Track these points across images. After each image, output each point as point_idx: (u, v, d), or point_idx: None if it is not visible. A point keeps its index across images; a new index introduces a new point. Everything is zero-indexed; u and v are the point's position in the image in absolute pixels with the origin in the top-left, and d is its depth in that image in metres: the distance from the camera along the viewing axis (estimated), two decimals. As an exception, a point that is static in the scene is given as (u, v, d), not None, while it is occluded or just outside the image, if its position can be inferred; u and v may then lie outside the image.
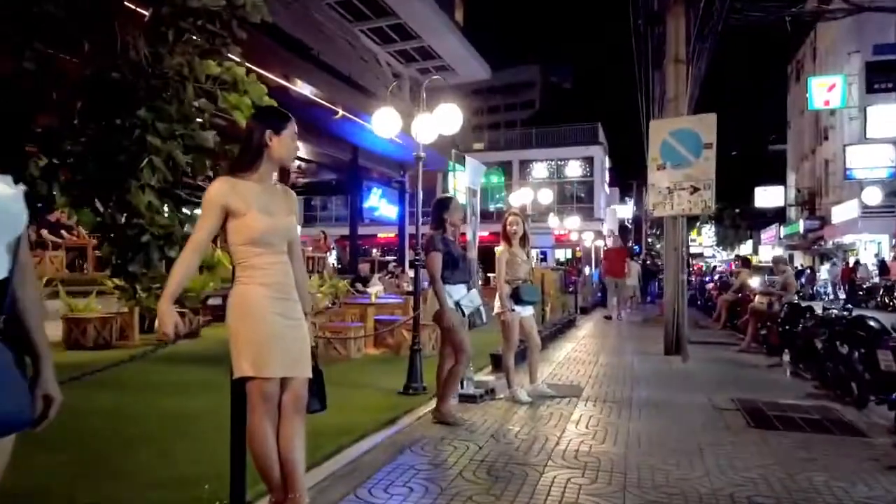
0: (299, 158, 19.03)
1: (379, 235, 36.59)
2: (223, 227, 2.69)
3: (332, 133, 18.58)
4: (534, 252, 39.76)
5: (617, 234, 16.94)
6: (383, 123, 5.83)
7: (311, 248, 21.39)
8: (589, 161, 40.73)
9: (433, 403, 5.05)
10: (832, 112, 31.67)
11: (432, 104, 5.87)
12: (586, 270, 26.75)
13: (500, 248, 5.74)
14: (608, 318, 14.85)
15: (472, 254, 6.13)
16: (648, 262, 24.27)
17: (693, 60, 9.32)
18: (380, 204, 22.76)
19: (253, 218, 2.64)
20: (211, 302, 13.71)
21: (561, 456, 4.02)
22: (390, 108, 5.83)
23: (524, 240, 5.85)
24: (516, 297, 5.62)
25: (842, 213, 29.23)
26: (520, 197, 11.37)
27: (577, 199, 40.42)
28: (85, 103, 6.36)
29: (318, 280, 14.14)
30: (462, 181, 26.49)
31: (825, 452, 4.19)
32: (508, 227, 5.76)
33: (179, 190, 7.04)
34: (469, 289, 4.89)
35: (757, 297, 9.65)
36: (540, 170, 41.12)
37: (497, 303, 5.72)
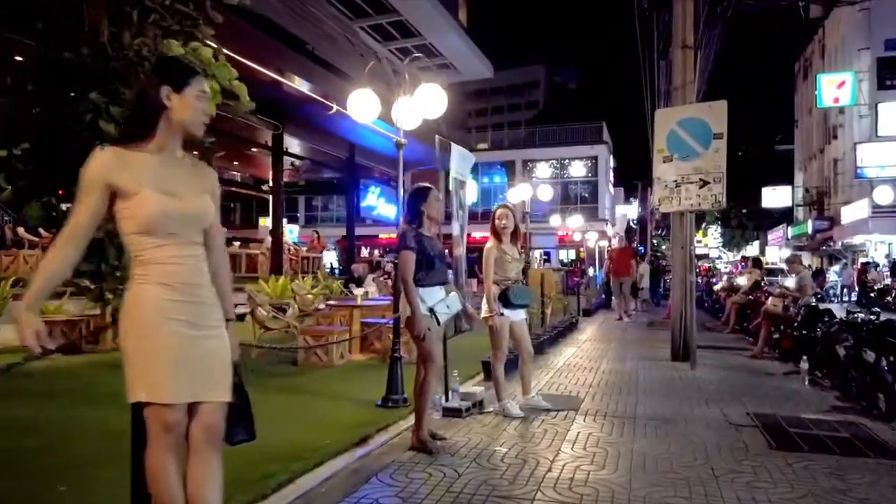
0: (291, 155, 18.49)
1: (380, 236, 36.05)
2: (111, 210, 2.12)
3: (329, 130, 18.04)
4: (537, 253, 39.38)
5: (622, 234, 16.49)
6: (360, 107, 5.26)
7: (305, 248, 20.87)
8: (593, 160, 40.11)
9: (413, 418, 4.47)
10: (841, 110, 31.03)
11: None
12: (590, 271, 26.20)
13: (488, 245, 5.16)
14: (619, 318, 14.61)
15: (460, 251, 5.55)
16: (655, 262, 23.63)
17: (701, 48, 8.73)
18: (378, 203, 22.23)
19: (145, 199, 2.06)
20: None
21: (553, 486, 3.44)
22: (367, 90, 5.27)
23: (515, 235, 5.27)
24: (505, 300, 5.03)
25: (851, 213, 28.57)
26: (518, 194, 10.80)
27: (581, 199, 39.80)
28: (36, 86, 5.83)
29: (310, 281, 13.61)
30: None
31: (861, 480, 3.60)
32: (497, 221, 5.19)
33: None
34: (448, 292, 4.30)
35: (770, 299, 9.04)
36: (543, 169, 40.50)
37: (484, 305, 5.13)
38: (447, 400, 5.09)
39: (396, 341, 5.36)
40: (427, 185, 4.37)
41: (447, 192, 5.26)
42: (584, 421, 4.93)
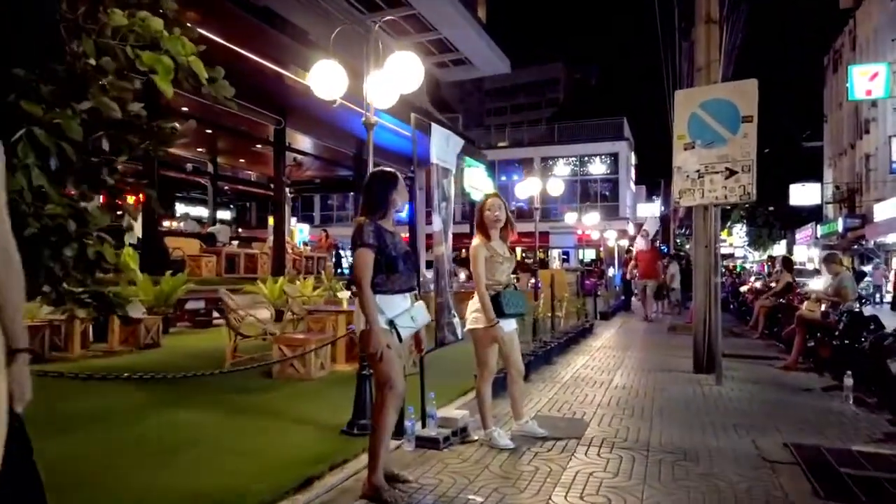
0: (294, 150, 17.78)
1: (403, 236, 35.28)
2: None
3: (335, 125, 17.31)
4: (555, 252, 38.41)
5: (650, 236, 15.75)
6: (322, 81, 4.49)
7: (310, 248, 20.19)
8: (613, 157, 39.08)
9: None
10: (874, 103, 29.83)
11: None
12: (610, 271, 25.19)
13: (475, 242, 4.36)
14: (646, 318, 14.56)
15: (441, 250, 4.74)
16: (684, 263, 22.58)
17: (727, 24, 7.82)
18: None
19: None
20: (191, 306, 12.53)
21: (533, 557, 2.63)
22: (333, 62, 4.50)
23: (505, 231, 4.46)
24: (497, 309, 4.21)
25: (885, 210, 27.29)
26: (527, 188, 9.97)
27: (601, 197, 38.78)
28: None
29: (312, 282, 12.86)
30: (473, 176, 25.21)
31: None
32: (488, 213, 4.37)
33: (103, 173, 5.77)
34: (414, 301, 3.49)
35: (806, 303, 8.11)
36: (562, 167, 39.54)
37: (473, 315, 4.31)
38: (423, 426, 4.30)
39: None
40: (391, 169, 3.58)
41: (460, 192, 4.44)
42: (587, 455, 4.09)
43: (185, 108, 14.03)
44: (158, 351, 8.66)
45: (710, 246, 7.33)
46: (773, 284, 13.68)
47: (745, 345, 10.17)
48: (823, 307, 7.68)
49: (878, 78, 27.14)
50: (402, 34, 25.67)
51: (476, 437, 4.36)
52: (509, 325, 4.34)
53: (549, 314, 9.76)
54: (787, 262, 12.96)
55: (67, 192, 4.79)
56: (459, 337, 4.86)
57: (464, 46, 27.55)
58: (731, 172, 6.56)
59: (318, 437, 4.38)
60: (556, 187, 10.40)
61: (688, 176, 6.82)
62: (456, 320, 4.86)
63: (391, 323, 3.29)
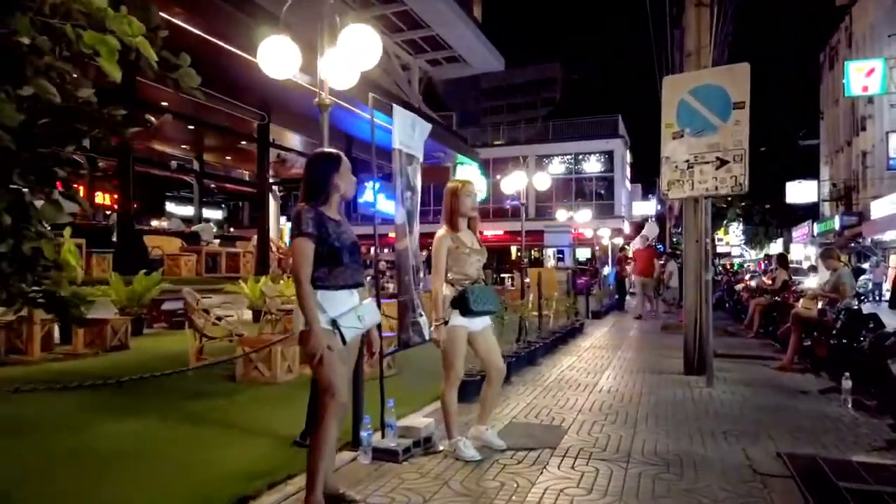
0: (279, 147, 17.40)
1: (390, 235, 34.88)
2: None
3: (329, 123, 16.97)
4: (550, 251, 38.06)
5: (650, 241, 15.86)
6: (273, 58, 4.11)
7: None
8: (609, 155, 38.71)
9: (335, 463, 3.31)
10: (870, 100, 29.58)
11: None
12: (605, 270, 24.83)
13: (439, 233, 3.98)
14: (639, 317, 14.69)
15: (405, 244, 4.36)
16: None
17: (719, 6, 7.45)
18: (377, 199, 21.01)
19: None
20: (168, 306, 12.11)
21: None
22: (284, 38, 4.12)
23: (475, 222, 4.09)
24: (463, 306, 3.83)
25: (882, 207, 26.99)
26: (512, 183, 9.61)
27: (596, 195, 38.42)
28: None
29: (290, 282, 12.48)
30: (466, 174, 24.84)
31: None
32: (465, 200, 3.99)
33: (50, 162, 5.39)
34: (363, 298, 3.12)
35: (802, 301, 7.74)
36: (557, 165, 39.15)
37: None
38: (383, 436, 3.92)
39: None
40: (335, 151, 3.20)
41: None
42: (560, 468, 3.71)
43: (164, 103, 13.65)
44: (125, 353, 8.27)
45: (701, 241, 6.96)
46: (769, 282, 13.36)
47: (739, 344, 9.81)
48: (820, 304, 7.32)
49: (874, 74, 26.84)
50: (394, 31, 25.31)
51: (441, 448, 3.99)
52: (476, 324, 3.95)
53: (537, 313, 9.41)
54: (783, 259, 12.61)
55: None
56: (426, 338, 4.49)
57: (457, 43, 27.21)
58: (722, 162, 6.19)
59: (267, 450, 4.00)
60: (543, 182, 10.03)
61: (676, 167, 6.45)
62: (423, 320, 4.49)
63: (334, 323, 2.91)
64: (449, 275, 3.91)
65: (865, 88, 27.17)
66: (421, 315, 4.45)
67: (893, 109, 27.84)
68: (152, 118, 11.93)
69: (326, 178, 3.06)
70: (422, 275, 4.78)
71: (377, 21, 24.03)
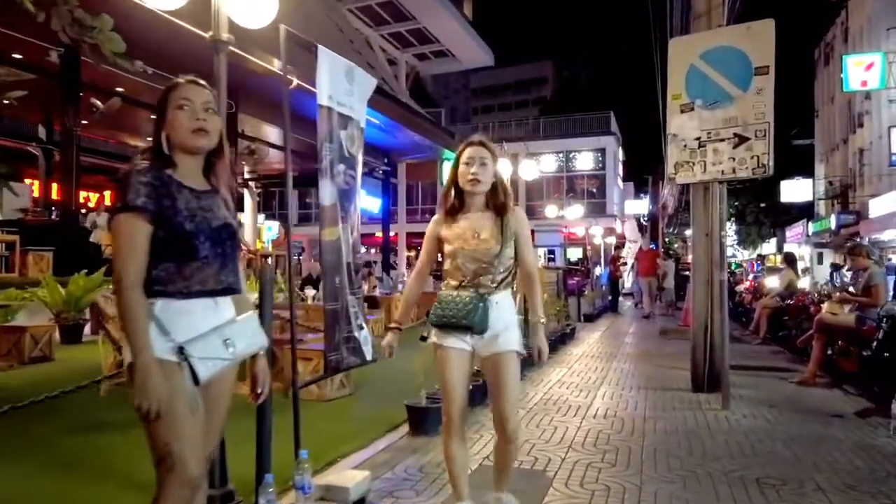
0: (244, 137, 16.21)
1: (377, 234, 33.79)
2: None
3: (297, 112, 15.79)
4: (541, 251, 37.13)
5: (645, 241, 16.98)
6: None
7: (270, 247, 18.67)
8: (601, 153, 37.73)
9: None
10: (867, 96, 28.95)
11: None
12: (597, 270, 23.83)
13: (434, 217, 2.86)
14: (647, 316, 15.25)
15: (335, 234, 3.27)
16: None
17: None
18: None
19: None
20: (116, 311, 10.95)
21: None
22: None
23: (498, 200, 2.76)
24: (437, 318, 2.69)
25: (880, 206, 26.23)
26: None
27: (588, 193, 37.41)
28: None
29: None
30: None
31: None
32: (461, 170, 2.73)
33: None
34: (242, 311, 2.04)
35: (827, 304, 6.71)
36: (548, 163, 38.14)
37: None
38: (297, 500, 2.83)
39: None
40: (187, 77, 2.08)
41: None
42: (542, 545, 2.64)
43: (120, 89, 12.51)
44: (44, 366, 7.14)
45: (713, 234, 5.90)
46: (766, 283, 12.51)
47: (747, 352, 8.77)
48: (847, 309, 6.30)
49: (873, 68, 26.08)
50: (379, 23, 24.28)
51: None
52: (467, 343, 2.70)
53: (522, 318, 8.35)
54: (790, 259, 11.63)
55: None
56: (368, 357, 3.41)
57: (445, 37, 26.27)
58: (742, 139, 5.15)
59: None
60: (531, 172, 8.94)
61: (685, 145, 5.40)
62: (364, 334, 3.40)
63: (181, 351, 1.83)
64: (449, 277, 2.78)
65: (864, 83, 26.39)
66: (361, 328, 3.37)
67: (892, 105, 27.13)
68: (98, 102, 10.80)
69: (159, 120, 1.99)
70: (361, 276, 3.69)
71: (361, 12, 23.00)
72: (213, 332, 1.91)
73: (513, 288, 2.83)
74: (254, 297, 2.96)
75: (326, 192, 3.14)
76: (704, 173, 5.37)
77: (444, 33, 25.98)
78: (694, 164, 5.38)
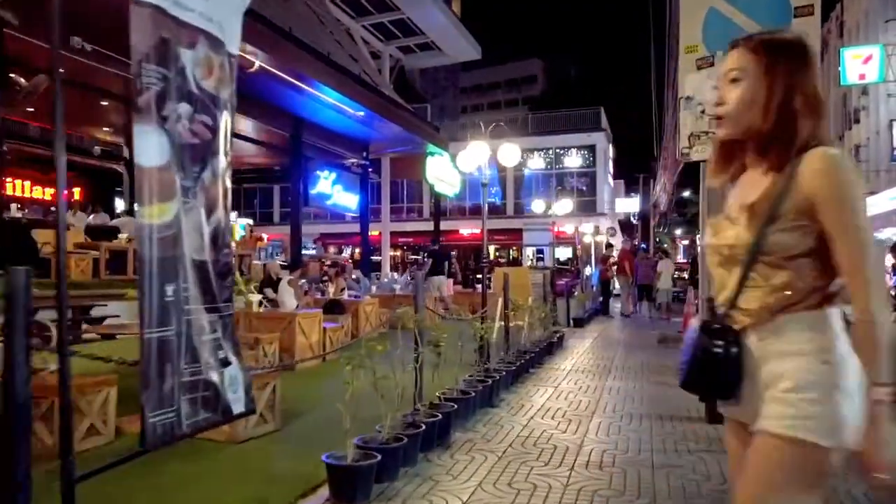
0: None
1: (374, 234, 32.42)
2: None
3: (265, 99, 14.45)
4: (529, 251, 35.98)
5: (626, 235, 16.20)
6: None
7: (237, 247, 17.38)
8: (591, 150, 36.65)
9: None
10: (864, 91, 28.22)
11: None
12: (586, 270, 22.73)
13: None
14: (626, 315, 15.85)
15: (169, 213, 2.06)
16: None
17: None
18: (333, 191, 18.63)
19: None
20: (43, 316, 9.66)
21: None
22: None
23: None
24: None
25: (878, 203, 25.36)
26: (471, 158, 7.37)
27: (577, 191, 36.29)
28: None
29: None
30: (438, 166, 22.98)
31: None
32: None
33: None
34: None
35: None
36: (537, 160, 37.03)
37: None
38: None
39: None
40: None
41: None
42: None
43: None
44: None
45: (734, 227, 4.73)
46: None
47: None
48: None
49: (871, 61, 25.36)
50: (361, 14, 23.10)
51: None
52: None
53: (503, 326, 7.14)
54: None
55: None
56: (240, 409, 2.19)
57: (430, 29, 25.14)
58: (776, 102, 3.97)
59: None
60: (512, 155, 7.77)
61: (702, 111, 4.23)
62: (230, 372, 2.18)
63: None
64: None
65: (862, 76, 25.57)
66: (226, 364, 2.15)
67: (891, 100, 26.32)
68: (20, 79, 9.49)
69: None
70: (230, 283, 2.43)
71: (342, 2, 21.78)
72: None
73: None
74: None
75: (150, 146, 1.92)
76: (727, 147, 4.19)
77: (429, 25, 24.90)
78: (713, 136, 4.19)
